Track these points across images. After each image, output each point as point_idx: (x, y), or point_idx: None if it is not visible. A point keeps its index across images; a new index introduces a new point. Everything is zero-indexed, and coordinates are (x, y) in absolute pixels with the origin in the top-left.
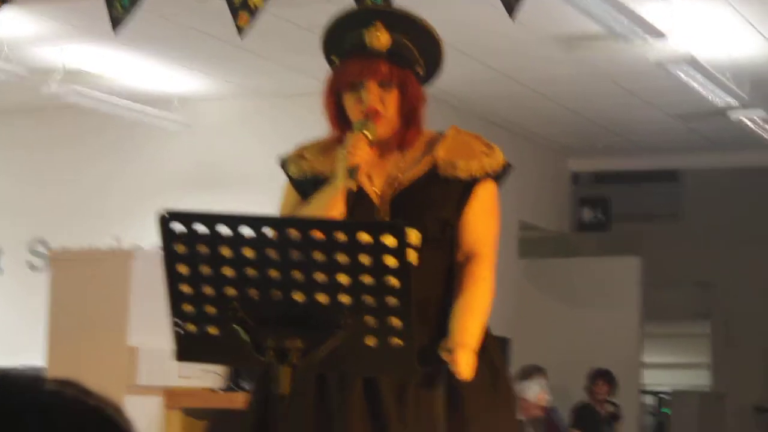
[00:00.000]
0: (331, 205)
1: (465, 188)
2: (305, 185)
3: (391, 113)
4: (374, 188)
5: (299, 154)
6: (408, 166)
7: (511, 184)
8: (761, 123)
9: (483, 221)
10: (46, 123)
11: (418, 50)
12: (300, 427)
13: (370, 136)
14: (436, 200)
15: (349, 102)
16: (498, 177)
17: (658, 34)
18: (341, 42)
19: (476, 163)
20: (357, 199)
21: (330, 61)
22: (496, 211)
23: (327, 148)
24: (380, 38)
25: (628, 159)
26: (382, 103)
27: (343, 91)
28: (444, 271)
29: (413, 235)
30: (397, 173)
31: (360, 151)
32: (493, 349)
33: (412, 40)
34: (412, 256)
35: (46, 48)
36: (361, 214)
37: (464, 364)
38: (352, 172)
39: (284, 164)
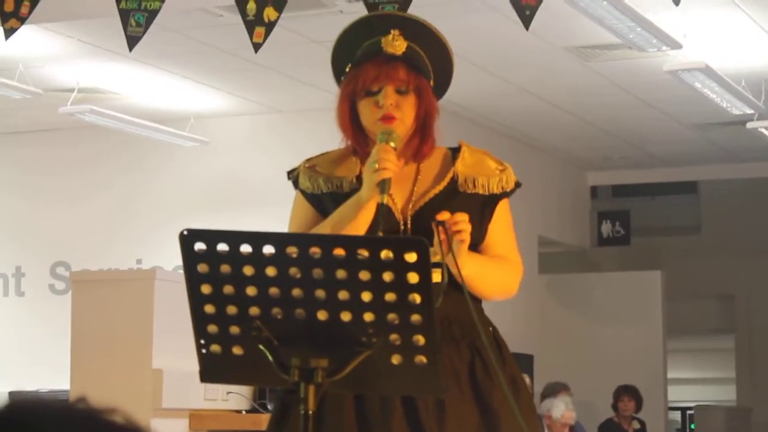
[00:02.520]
0: (361, 219)
1: (484, 205)
2: (322, 200)
3: (407, 119)
4: (394, 201)
5: (311, 167)
6: (427, 180)
7: (530, 199)
8: None
9: (506, 237)
10: (65, 143)
11: (431, 62)
12: None
13: (393, 145)
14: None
15: (365, 107)
16: (510, 195)
17: (674, 44)
18: (354, 51)
19: (495, 180)
20: (378, 212)
21: (339, 71)
22: (512, 225)
23: (338, 160)
24: (397, 45)
25: (646, 171)
26: (398, 108)
27: (358, 97)
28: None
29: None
30: (415, 187)
31: (388, 163)
32: (513, 364)
33: (425, 51)
34: (437, 275)
35: (62, 67)
36: (385, 228)
37: (467, 228)
38: (384, 186)
39: (295, 178)
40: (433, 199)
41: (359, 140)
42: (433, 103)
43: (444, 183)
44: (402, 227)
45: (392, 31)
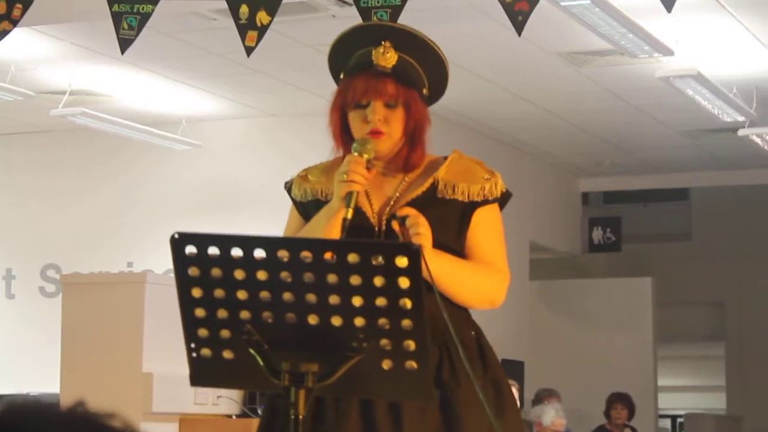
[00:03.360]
0: (327, 230)
1: (463, 212)
2: (308, 207)
3: (395, 133)
4: (372, 208)
5: (303, 176)
6: (407, 187)
7: (521, 204)
8: None
9: (492, 245)
10: (56, 145)
11: (425, 71)
12: None
13: (367, 156)
14: (433, 222)
15: (354, 120)
16: (498, 202)
17: (666, 51)
18: (348, 59)
19: (477, 187)
20: (355, 219)
21: (337, 78)
22: (502, 233)
23: (330, 168)
24: (387, 57)
25: (637, 178)
26: (386, 123)
27: (348, 108)
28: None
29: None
30: (395, 193)
31: (356, 175)
32: (497, 368)
33: (418, 60)
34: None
35: (54, 69)
36: (359, 235)
37: (420, 222)
38: (349, 200)
39: (289, 187)
40: (410, 204)
41: (349, 149)
42: (424, 114)
43: (422, 188)
44: (376, 231)
45: (383, 43)
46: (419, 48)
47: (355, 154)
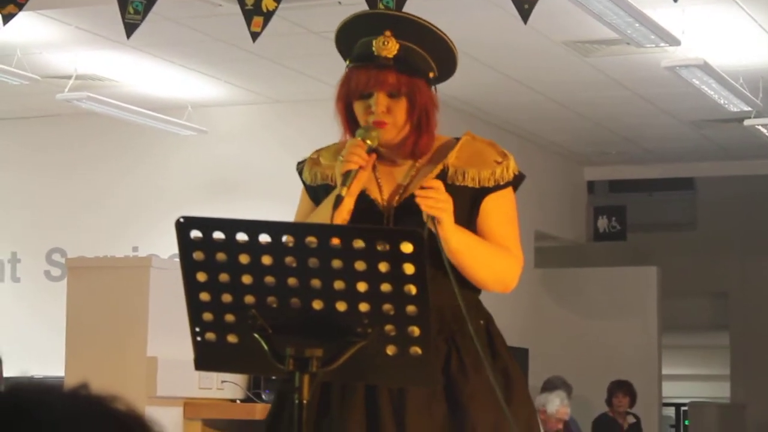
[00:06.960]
0: (334, 216)
1: (474, 198)
2: (318, 192)
3: (399, 121)
4: (382, 195)
5: (314, 159)
6: (417, 173)
7: (527, 193)
8: None
9: (506, 229)
10: (62, 130)
11: (430, 55)
12: None
13: (370, 143)
14: None
15: (359, 109)
16: (511, 185)
17: (672, 40)
18: (352, 46)
19: (487, 172)
20: (365, 206)
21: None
22: (515, 218)
23: (340, 151)
24: (388, 47)
25: (643, 167)
26: (389, 113)
27: (352, 98)
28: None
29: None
30: (405, 180)
31: (355, 156)
32: (507, 357)
33: (422, 45)
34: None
35: (60, 54)
36: (368, 222)
37: (438, 197)
38: (346, 178)
39: (301, 169)
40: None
41: None
42: (430, 100)
43: (432, 175)
44: (385, 220)
45: (384, 33)
46: (421, 33)
47: (359, 138)
